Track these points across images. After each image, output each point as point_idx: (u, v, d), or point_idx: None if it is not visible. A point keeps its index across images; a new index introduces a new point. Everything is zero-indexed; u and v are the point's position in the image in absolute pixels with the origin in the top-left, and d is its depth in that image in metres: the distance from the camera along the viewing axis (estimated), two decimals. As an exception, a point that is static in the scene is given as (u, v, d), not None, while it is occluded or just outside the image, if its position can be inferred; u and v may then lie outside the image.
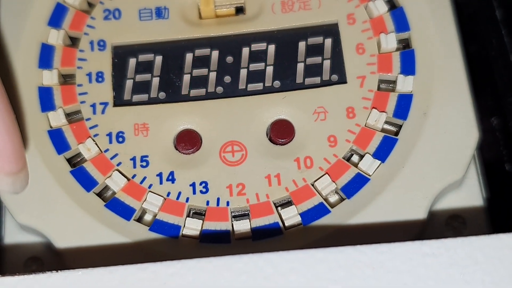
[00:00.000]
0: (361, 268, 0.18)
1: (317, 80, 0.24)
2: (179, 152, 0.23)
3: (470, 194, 0.23)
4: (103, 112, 0.24)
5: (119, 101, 0.24)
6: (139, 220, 0.23)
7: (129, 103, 0.24)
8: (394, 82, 0.23)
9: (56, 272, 0.19)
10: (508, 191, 0.26)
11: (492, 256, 0.18)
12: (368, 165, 0.22)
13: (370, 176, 0.22)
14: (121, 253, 0.22)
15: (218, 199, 0.22)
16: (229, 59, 0.24)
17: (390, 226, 0.21)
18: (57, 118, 0.24)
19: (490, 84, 0.28)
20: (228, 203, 0.22)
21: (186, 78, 0.24)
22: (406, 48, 0.24)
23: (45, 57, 0.24)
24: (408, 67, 0.24)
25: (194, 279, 0.18)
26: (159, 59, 0.25)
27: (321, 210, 0.22)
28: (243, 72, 0.24)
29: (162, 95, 0.24)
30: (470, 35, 0.30)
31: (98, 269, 0.19)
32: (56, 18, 0.25)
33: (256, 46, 0.25)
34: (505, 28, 0.27)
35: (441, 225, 0.23)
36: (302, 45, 0.24)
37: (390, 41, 0.24)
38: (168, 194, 0.23)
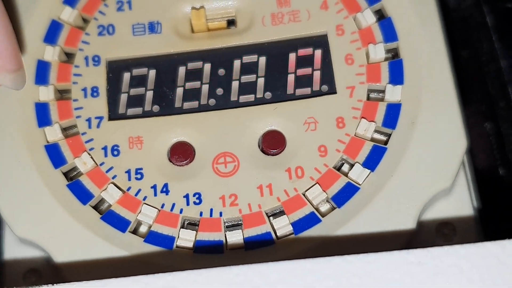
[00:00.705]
0: (349, 277, 0.19)
1: (307, 90, 0.24)
2: (173, 164, 0.24)
3: (460, 202, 0.24)
4: (98, 126, 0.24)
5: (113, 115, 0.24)
6: (135, 231, 0.23)
7: (124, 116, 0.24)
8: (383, 91, 0.24)
9: (53, 285, 0.19)
10: (501, 195, 0.26)
11: (478, 265, 0.19)
12: (358, 174, 0.23)
13: (360, 185, 0.23)
14: (117, 264, 0.22)
15: (211, 210, 0.23)
16: (221, 71, 0.25)
17: (381, 234, 0.22)
18: (53, 133, 0.24)
19: (482, 89, 0.28)
20: (221, 214, 0.23)
21: (179, 91, 0.25)
22: (394, 58, 0.24)
23: (41, 73, 0.25)
24: (396, 77, 0.24)
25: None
26: (152, 73, 0.25)
27: (312, 219, 0.22)
28: (235, 84, 0.25)
29: (156, 108, 0.25)
30: (462, 41, 0.31)
31: (93, 282, 0.19)
32: (51, 34, 0.25)
33: (247, 58, 0.25)
34: (495, 34, 0.28)
35: (431, 232, 0.23)
36: (292, 56, 0.25)
37: (378, 52, 0.24)
38: (163, 205, 0.23)
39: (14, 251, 0.24)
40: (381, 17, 0.25)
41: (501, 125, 0.27)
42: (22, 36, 0.25)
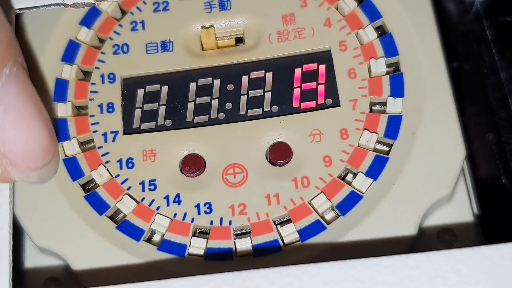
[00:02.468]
0: (351, 281, 0.20)
1: (312, 104, 0.25)
2: (185, 175, 0.25)
3: (460, 208, 0.24)
4: (113, 140, 0.25)
5: (128, 130, 0.26)
6: (148, 240, 0.24)
7: (138, 131, 0.26)
8: (385, 104, 0.25)
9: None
10: (503, 203, 0.27)
11: (475, 268, 0.20)
12: (361, 183, 0.24)
13: (363, 193, 0.24)
14: (132, 271, 0.23)
15: (221, 219, 0.24)
16: (230, 86, 0.26)
17: (383, 240, 0.23)
18: (71, 147, 0.25)
19: (484, 100, 0.29)
20: (230, 222, 0.24)
21: (190, 106, 0.26)
22: (395, 72, 0.25)
23: (60, 90, 0.26)
24: (397, 89, 0.25)
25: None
26: (165, 89, 0.26)
27: (317, 227, 0.23)
28: (243, 99, 0.26)
29: (168, 122, 0.26)
30: (464, 54, 0.32)
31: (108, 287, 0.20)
32: (69, 54, 0.26)
33: (255, 74, 0.26)
34: (495, 47, 0.28)
35: (432, 238, 0.24)
36: (298, 71, 0.26)
37: (380, 66, 0.25)
38: (175, 215, 0.24)
39: (34, 260, 0.25)
40: (382, 33, 0.26)
41: (502, 135, 0.28)
42: (41, 55, 0.26)
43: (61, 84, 0.26)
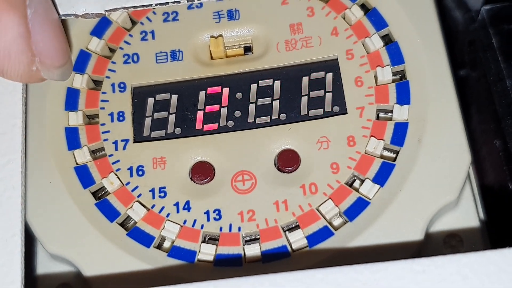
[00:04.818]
0: (358, 286, 0.20)
1: (320, 111, 0.26)
2: (194, 182, 0.25)
3: (467, 214, 0.25)
4: (124, 148, 0.26)
5: (138, 138, 0.26)
6: (159, 247, 0.24)
7: (148, 139, 0.26)
8: (391, 111, 0.25)
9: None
10: (510, 208, 0.27)
11: (480, 273, 0.20)
12: (368, 189, 0.24)
13: (370, 199, 0.24)
14: (142, 278, 0.23)
15: (230, 225, 0.24)
16: (239, 95, 0.26)
17: (390, 245, 0.23)
18: (82, 156, 0.26)
19: (491, 108, 0.29)
20: (239, 229, 0.24)
21: (200, 114, 0.26)
22: (401, 80, 0.26)
23: (71, 100, 0.26)
24: (403, 97, 0.25)
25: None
26: (175, 97, 0.27)
27: (325, 232, 0.24)
28: (252, 107, 0.26)
29: (178, 130, 0.26)
30: (471, 62, 0.32)
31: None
32: (80, 63, 0.27)
33: (263, 83, 0.26)
34: (501, 55, 0.29)
35: (439, 243, 0.24)
36: (305, 80, 0.26)
37: (386, 74, 0.25)
38: (185, 222, 0.25)
39: (46, 267, 0.25)
40: (388, 41, 0.26)
41: (508, 142, 0.28)
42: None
43: (72, 93, 0.27)
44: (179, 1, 0.24)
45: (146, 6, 0.24)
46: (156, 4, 0.24)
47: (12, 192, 0.22)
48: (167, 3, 0.24)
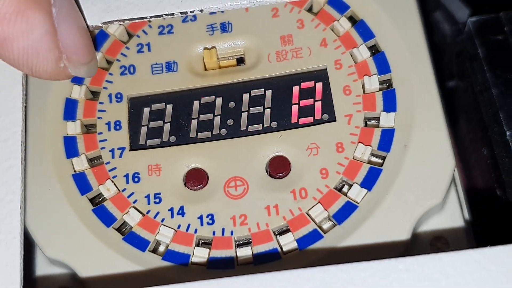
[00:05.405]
0: (344, 284, 0.21)
1: (310, 119, 0.27)
2: (188, 188, 0.26)
3: (452, 217, 0.25)
4: (120, 156, 0.27)
5: (135, 146, 0.27)
6: (154, 251, 0.25)
7: (144, 147, 0.27)
8: (378, 118, 0.26)
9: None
10: (497, 213, 0.28)
11: (462, 270, 0.21)
12: (356, 193, 0.25)
13: (358, 203, 0.25)
14: (138, 280, 0.24)
15: (223, 229, 0.25)
16: (231, 104, 0.27)
17: (377, 247, 0.24)
18: (80, 163, 0.26)
19: (477, 116, 0.30)
20: (232, 233, 0.25)
21: (194, 122, 0.27)
22: (388, 88, 0.26)
23: (69, 110, 0.27)
24: (390, 104, 0.26)
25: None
26: (169, 107, 0.27)
27: (315, 235, 0.24)
28: (244, 115, 0.27)
29: (173, 138, 0.27)
30: (459, 72, 0.33)
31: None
32: (78, 75, 0.28)
33: (255, 92, 0.27)
34: (487, 65, 0.29)
35: (425, 246, 0.25)
36: (296, 89, 0.27)
37: (373, 83, 0.26)
38: (179, 226, 0.25)
39: (45, 271, 0.26)
40: (375, 51, 0.27)
41: (495, 149, 0.29)
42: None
43: (71, 104, 0.27)
44: (173, 13, 0.25)
45: (141, 18, 0.25)
46: (151, 17, 0.25)
47: (13, 196, 0.23)
48: (161, 15, 0.25)
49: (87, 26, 0.25)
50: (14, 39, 0.22)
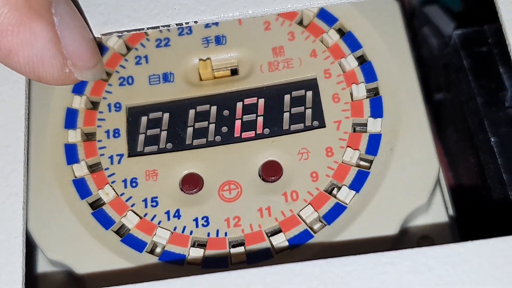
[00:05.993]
0: (332, 277, 0.22)
1: (300, 126, 0.28)
2: (184, 192, 0.27)
3: (437, 217, 0.26)
4: (119, 162, 0.28)
5: (133, 153, 0.28)
6: (151, 252, 0.26)
7: (141, 153, 0.28)
8: (365, 124, 0.27)
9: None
10: (480, 214, 0.29)
11: (445, 263, 0.22)
12: (345, 195, 0.26)
13: (347, 204, 0.26)
14: (135, 280, 0.25)
15: (217, 231, 0.26)
16: (226, 112, 0.28)
17: (365, 244, 0.25)
18: (80, 169, 0.27)
19: (464, 125, 0.31)
20: (226, 234, 0.26)
21: (190, 130, 0.28)
22: (375, 96, 0.28)
23: (70, 119, 0.28)
24: (377, 111, 0.27)
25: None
26: (166, 116, 0.29)
27: (306, 235, 0.25)
28: (238, 123, 0.28)
29: (169, 145, 0.28)
30: (446, 84, 0.34)
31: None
32: (78, 86, 0.29)
33: (248, 101, 0.28)
34: (472, 75, 0.30)
35: (412, 245, 0.26)
36: (287, 97, 0.28)
37: (360, 91, 0.28)
38: (175, 228, 0.26)
39: (46, 271, 0.27)
40: (363, 61, 0.28)
41: (480, 156, 0.30)
42: (53, 88, 0.29)
43: (72, 113, 0.29)
44: (169, 25, 0.26)
45: (139, 30, 0.26)
46: (148, 28, 0.26)
47: (15, 198, 0.24)
48: (158, 27, 0.26)
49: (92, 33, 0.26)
50: (19, 49, 0.23)
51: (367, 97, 0.28)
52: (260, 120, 0.28)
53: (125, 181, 0.27)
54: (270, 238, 0.26)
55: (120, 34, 0.27)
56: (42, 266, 0.27)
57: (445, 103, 0.35)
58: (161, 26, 0.26)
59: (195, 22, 0.26)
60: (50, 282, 0.27)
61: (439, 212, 0.27)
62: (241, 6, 0.26)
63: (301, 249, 0.25)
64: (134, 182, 0.27)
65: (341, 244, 0.25)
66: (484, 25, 0.31)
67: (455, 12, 0.36)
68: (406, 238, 0.26)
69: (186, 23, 0.26)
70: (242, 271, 0.22)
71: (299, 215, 0.26)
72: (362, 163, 0.27)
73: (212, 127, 0.28)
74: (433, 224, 0.26)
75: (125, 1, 0.26)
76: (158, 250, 0.26)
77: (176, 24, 0.26)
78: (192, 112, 0.28)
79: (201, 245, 0.26)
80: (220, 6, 0.26)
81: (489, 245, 0.22)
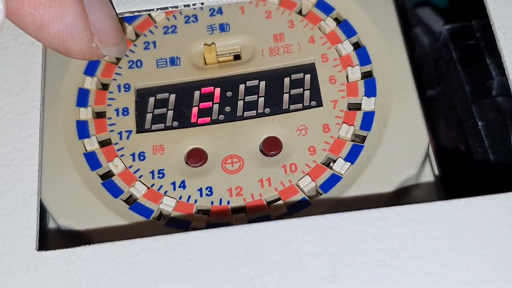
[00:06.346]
0: (328, 230, 0.23)
1: (299, 106, 0.29)
2: (189, 166, 0.29)
3: (428, 192, 0.28)
4: (128, 138, 0.29)
5: (141, 129, 0.29)
6: (158, 218, 0.28)
7: (149, 130, 0.30)
8: (360, 104, 0.29)
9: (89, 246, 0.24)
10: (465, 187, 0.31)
11: (433, 218, 0.23)
12: (341, 166, 0.28)
13: (342, 175, 0.27)
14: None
15: (220, 200, 0.28)
16: (229, 93, 0.30)
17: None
18: (91, 144, 0.29)
19: (453, 113, 0.33)
20: (228, 202, 0.28)
21: (195, 110, 0.30)
22: (368, 77, 0.30)
23: (82, 98, 0.30)
24: (370, 91, 0.29)
25: (200, 245, 0.23)
26: (173, 97, 0.30)
27: (303, 203, 0.27)
28: (240, 103, 0.30)
29: (175, 123, 0.30)
30: (437, 78, 0.36)
31: (122, 241, 0.24)
32: (90, 68, 0.31)
33: (250, 83, 0.30)
34: (460, 65, 0.32)
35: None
36: (287, 80, 0.30)
37: (355, 73, 0.29)
38: (180, 197, 0.28)
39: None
40: (357, 46, 0.30)
41: (469, 140, 0.32)
42: (67, 69, 0.31)
43: (83, 93, 0.30)
44: (177, 6, 0.28)
45: (149, 10, 0.28)
46: (157, 9, 0.28)
47: (30, 160, 0.26)
48: (167, 7, 0.28)
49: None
50: (50, 22, 0.25)
51: (362, 78, 0.29)
52: (261, 100, 0.30)
53: (133, 155, 0.29)
54: (270, 205, 0.27)
55: (132, 15, 0.29)
56: (53, 224, 0.29)
57: (437, 98, 0.36)
58: (170, 7, 0.28)
59: (202, 3, 0.28)
60: (59, 237, 0.28)
61: (428, 184, 0.28)
62: (245, -12, 0.28)
63: (298, 215, 0.27)
64: (142, 156, 0.29)
65: (336, 210, 0.26)
66: (472, 21, 0.33)
67: (444, 10, 0.38)
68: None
69: (193, 4, 0.28)
70: (243, 226, 0.24)
71: (297, 185, 0.27)
72: (356, 139, 0.28)
73: (216, 106, 0.30)
74: (422, 191, 0.28)
75: (137, -15, 0.28)
76: (165, 217, 0.28)
77: (184, 5, 0.28)
78: (197, 93, 0.30)
79: (205, 213, 0.28)
80: (226, -11, 0.28)
81: (473, 202, 0.23)
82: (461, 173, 0.32)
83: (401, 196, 0.28)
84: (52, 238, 0.28)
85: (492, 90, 0.32)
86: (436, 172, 0.29)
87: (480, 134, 0.31)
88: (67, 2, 0.25)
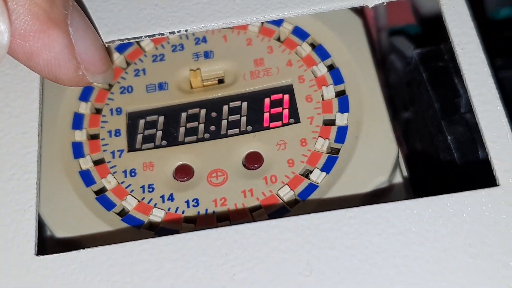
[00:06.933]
0: (303, 229, 0.25)
1: (279, 123, 0.32)
2: (177, 180, 0.31)
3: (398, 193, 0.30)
4: (120, 156, 0.31)
5: (132, 148, 0.32)
6: (148, 229, 0.30)
7: (140, 149, 0.32)
8: (334, 119, 0.31)
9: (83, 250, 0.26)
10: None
11: (400, 216, 0.25)
12: (317, 176, 0.30)
13: (319, 184, 0.30)
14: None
15: (206, 210, 0.30)
16: (214, 114, 0.32)
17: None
18: (85, 163, 0.31)
19: (426, 131, 0.36)
20: (214, 212, 0.30)
21: (182, 129, 0.32)
22: (342, 95, 0.32)
23: (77, 122, 0.32)
24: (344, 107, 0.31)
25: (185, 246, 0.25)
26: (161, 118, 0.32)
27: (283, 211, 0.29)
28: (224, 122, 0.32)
29: (164, 142, 0.32)
30: (410, 100, 0.38)
31: (114, 245, 0.26)
32: (85, 94, 0.33)
33: (233, 104, 0.32)
34: (430, 85, 0.35)
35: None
36: (267, 100, 0.32)
37: (330, 92, 0.32)
38: (169, 209, 0.30)
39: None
40: (331, 68, 0.33)
41: (440, 154, 0.34)
42: (63, 96, 0.33)
43: (78, 117, 0.33)
44: (163, 33, 0.30)
45: (137, 38, 0.31)
46: (145, 36, 0.31)
47: (29, 174, 0.28)
48: (153, 35, 0.31)
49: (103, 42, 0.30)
50: (39, 52, 0.27)
51: (336, 97, 0.32)
52: (243, 119, 0.32)
53: (125, 171, 0.31)
54: (252, 213, 0.29)
55: (122, 43, 0.31)
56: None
57: (411, 118, 0.39)
58: (156, 34, 0.30)
59: (186, 30, 0.30)
60: (56, 246, 0.30)
61: (398, 189, 0.31)
62: (224, 16, 0.30)
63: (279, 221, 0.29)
64: (133, 172, 0.31)
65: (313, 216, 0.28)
66: (441, 44, 0.36)
67: (416, 37, 0.40)
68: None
69: (178, 31, 0.30)
70: (226, 228, 0.26)
71: (277, 194, 0.30)
72: (331, 150, 0.31)
73: (201, 126, 0.32)
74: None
75: (125, 15, 0.31)
76: (154, 228, 0.30)
77: (170, 32, 0.30)
78: (184, 115, 0.33)
79: (192, 222, 0.30)
80: (207, 17, 0.30)
81: (439, 200, 0.25)
82: (430, 177, 0.34)
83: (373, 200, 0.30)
84: (49, 246, 0.30)
85: (460, 107, 0.34)
86: (405, 174, 0.31)
87: (450, 147, 0.33)
88: (54, 34, 0.27)
